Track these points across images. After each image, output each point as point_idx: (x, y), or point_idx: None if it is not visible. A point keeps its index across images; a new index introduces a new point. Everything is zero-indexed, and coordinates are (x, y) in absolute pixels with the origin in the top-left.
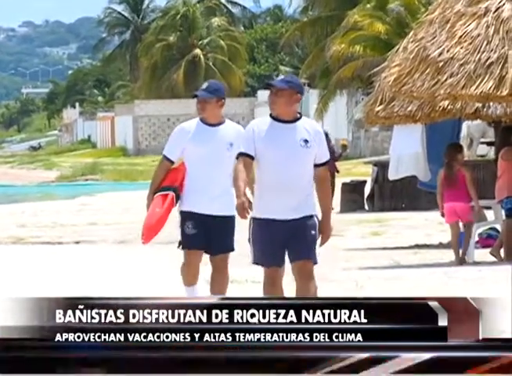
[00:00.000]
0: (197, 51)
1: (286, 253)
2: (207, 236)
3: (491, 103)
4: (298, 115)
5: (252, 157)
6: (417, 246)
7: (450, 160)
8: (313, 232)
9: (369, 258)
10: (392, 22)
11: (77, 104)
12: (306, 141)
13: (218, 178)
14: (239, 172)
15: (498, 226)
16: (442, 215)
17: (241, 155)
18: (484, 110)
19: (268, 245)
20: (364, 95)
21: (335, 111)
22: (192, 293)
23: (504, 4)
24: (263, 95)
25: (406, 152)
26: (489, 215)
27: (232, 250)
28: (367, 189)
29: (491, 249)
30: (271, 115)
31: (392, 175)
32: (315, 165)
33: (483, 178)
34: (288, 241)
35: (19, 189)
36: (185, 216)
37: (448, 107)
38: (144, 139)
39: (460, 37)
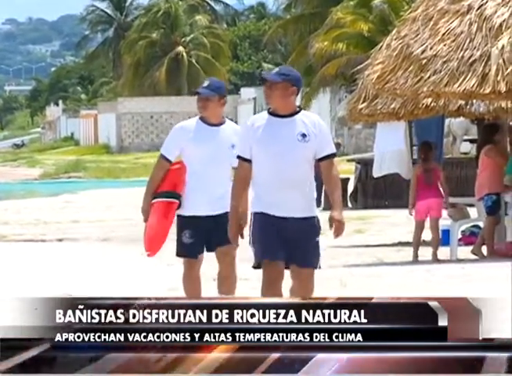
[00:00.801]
0: (180, 48)
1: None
2: (206, 239)
3: (474, 101)
4: (297, 109)
5: (249, 161)
6: (400, 243)
7: (425, 157)
8: (316, 239)
9: (352, 256)
10: (375, 19)
11: (60, 102)
12: (304, 135)
13: (220, 179)
14: (235, 188)
15: (481, 224)
16: (410, 213)
17: (239, 158)
18: (468, 107)
19: (269, 237)
20: (347, 93)
21: (318, 109)
22: None
23: (487, 1)
24: (246, 92)
25: (390, 149)
26: (472, 212)
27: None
28: (350, 187)
29: (472, 248)
30: (268, 110)
31: (376, 173)
32: (319, 159)
33: (466, 175)
34: (288, 242)
35: (1, 186)
36: (184, 222)
37: (432, 105)
38: (127, 137)
39: (443, 34)
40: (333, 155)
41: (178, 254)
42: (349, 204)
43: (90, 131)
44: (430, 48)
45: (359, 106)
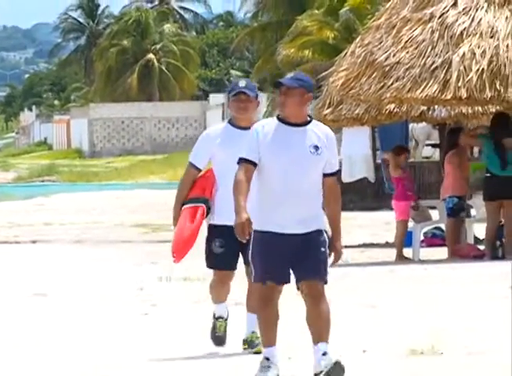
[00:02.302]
0: (151, 55)
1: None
2: (238, 251)
3: (436, 106)
4: (309, 118)
5: (255, 164)
6: (364, 245)
7: (391, 161)
8: (323, 249)
9: None
10: (340, 27)
11: (33, 107)
12: (316, 147)
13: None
14: (239, 183)
15: (443, 226)
16: None
17: (242, 161)
18: (430, 112)
19: (270, 259)
20: (312, 99)
21: None
22: (220, 309)
23: (448, 10)
24: (214, 98)
25: (358, 153)
26: (434, 214)
27: None
28: None
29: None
30: (278, 117)
31: (346, 178)
32: (325, 174)
33: (428, 179)
34: (295, 258)
35: None
36: (214, 231)
37: (395, 110)
38: (99, 142)
39: (406, 42)
40: (338, 172)
41: (209, 266)
42: None
43: (63, 136)
44: (393, 56)
45: (324, 112)
